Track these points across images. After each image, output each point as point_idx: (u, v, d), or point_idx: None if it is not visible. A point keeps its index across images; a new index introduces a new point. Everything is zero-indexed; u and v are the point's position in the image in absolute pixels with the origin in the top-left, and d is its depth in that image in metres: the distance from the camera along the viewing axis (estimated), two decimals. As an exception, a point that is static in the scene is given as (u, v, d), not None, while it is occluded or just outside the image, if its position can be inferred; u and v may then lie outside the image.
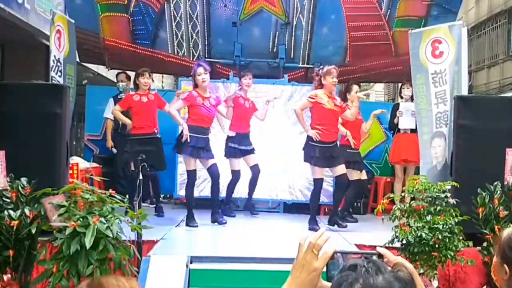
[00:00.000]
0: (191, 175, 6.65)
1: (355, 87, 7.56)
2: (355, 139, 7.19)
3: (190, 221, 6.58)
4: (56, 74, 6.26)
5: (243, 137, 7.32)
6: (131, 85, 7.75)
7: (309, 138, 6.53)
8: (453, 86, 6.10)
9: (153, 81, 7.61)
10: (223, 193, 7.30)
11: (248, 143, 7.35)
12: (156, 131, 7.02)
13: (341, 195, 6.86)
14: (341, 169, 6.57)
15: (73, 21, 6.75)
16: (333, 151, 6.54)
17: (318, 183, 6.61)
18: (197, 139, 6.55)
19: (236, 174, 7.30)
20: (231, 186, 7.34)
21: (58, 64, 6.28)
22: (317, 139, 6.40)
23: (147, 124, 6.97)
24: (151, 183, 7.39)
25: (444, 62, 6.13)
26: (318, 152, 6.43)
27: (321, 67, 6.78)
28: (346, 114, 6.84)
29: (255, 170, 7.36)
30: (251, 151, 7.34)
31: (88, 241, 3.67)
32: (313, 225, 6.50)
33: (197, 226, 6.54)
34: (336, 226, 6.54)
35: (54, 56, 6.22)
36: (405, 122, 7.73)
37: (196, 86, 6.73)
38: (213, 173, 6.67)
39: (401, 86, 8.18)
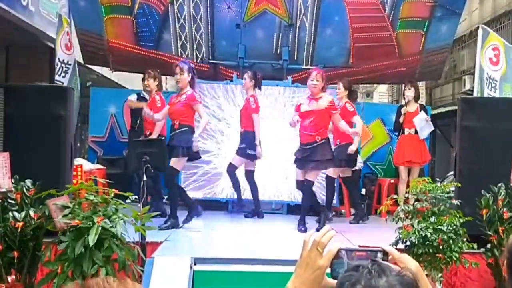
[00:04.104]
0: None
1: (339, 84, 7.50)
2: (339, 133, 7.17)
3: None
4: (61, 76, 6.31)
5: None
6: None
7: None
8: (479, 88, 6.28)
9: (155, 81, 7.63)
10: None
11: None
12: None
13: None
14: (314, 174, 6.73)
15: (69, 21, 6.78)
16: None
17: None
18: None
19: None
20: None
21: (63, 66, 6.33)
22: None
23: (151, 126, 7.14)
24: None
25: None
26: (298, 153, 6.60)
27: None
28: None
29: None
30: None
31: (92, 239, 3.67)
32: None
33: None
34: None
35: (59, 58, 6.27)
36: (425, 132, 7.73)
37: None
38: None
39: (404, 87, 8.19)
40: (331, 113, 6.53)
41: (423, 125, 7.71)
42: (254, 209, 7.61)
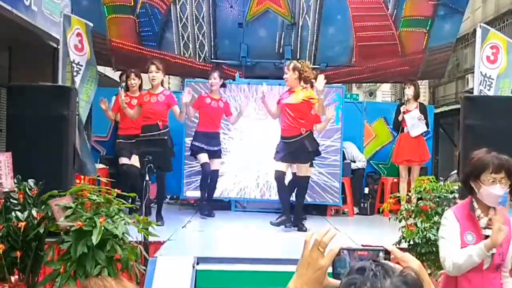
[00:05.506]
0: None
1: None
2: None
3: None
4: (77, 77, 6.35)
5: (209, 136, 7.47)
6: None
7: None
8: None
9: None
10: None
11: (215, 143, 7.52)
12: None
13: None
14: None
15: (91, 24, 6.76)
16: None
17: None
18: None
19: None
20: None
21: (74, 65, 6.35)
22: None
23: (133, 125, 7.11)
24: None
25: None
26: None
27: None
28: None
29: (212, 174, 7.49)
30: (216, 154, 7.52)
31: (95, 239, 3.67)
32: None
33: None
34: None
35: (74, 60, 6.29)
36: (416, 130, 7.72)
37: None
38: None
39: (404, 85, 8.18)
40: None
41: (414, 122, 7.70)
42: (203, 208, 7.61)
